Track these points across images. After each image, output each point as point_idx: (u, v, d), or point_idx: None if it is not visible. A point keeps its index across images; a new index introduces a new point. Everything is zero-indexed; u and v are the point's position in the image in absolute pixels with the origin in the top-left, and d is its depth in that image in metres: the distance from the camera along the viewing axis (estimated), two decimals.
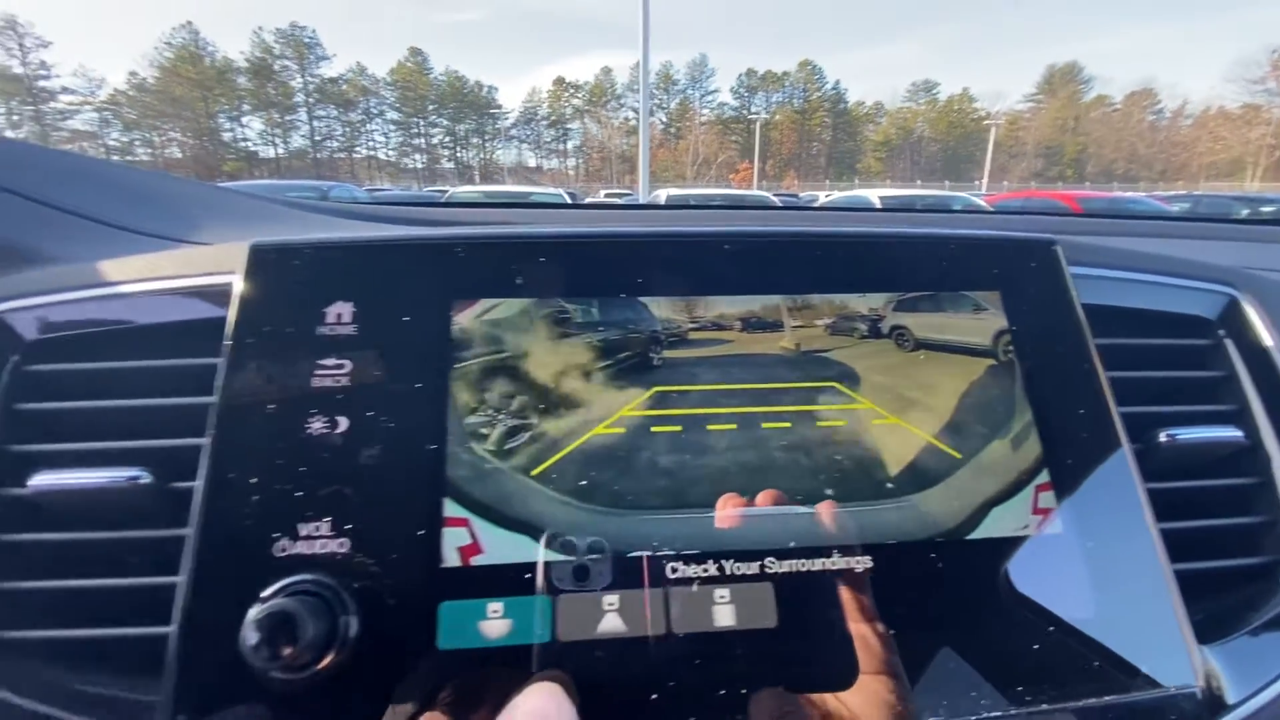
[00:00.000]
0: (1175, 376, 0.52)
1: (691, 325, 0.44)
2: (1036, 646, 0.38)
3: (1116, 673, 0.38)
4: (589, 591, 0.37)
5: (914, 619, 0.38)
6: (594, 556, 0.38)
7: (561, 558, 0.38)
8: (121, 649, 0.40)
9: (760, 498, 0.40)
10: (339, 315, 0.41)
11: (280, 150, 72.22)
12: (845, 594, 0.39)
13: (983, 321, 0.46)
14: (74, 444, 0.42)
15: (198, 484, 0.38)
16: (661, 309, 0.44)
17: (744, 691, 0.36)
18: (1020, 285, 0.47)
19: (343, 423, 0.39)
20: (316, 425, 0.39)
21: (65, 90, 63.88)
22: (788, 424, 0.42)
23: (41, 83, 62.46)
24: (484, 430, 0.40)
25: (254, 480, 0.38)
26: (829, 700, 0.36)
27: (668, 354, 0.43)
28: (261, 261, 0.42)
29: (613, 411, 0.41)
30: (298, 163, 71.28)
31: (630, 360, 0.43)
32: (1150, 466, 0.48)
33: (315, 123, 74.48)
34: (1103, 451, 0.43)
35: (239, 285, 0.41)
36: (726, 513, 0.40)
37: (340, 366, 0.40)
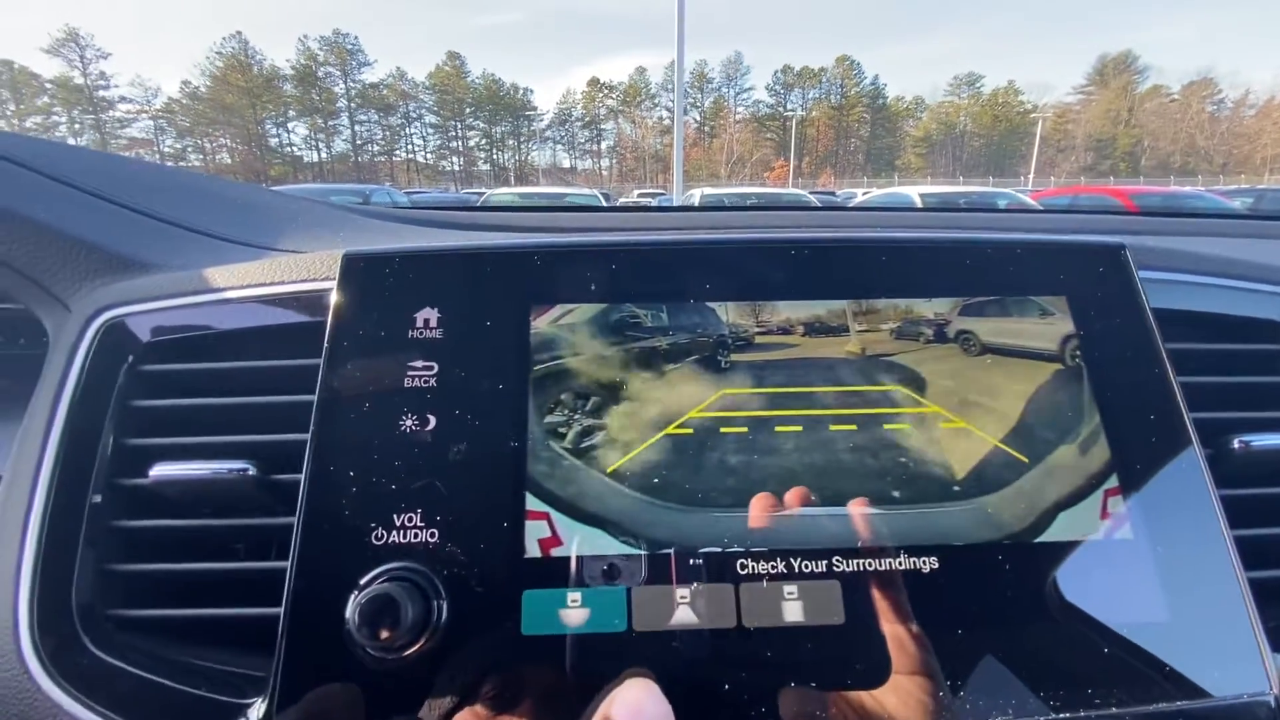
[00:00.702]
0: (1248, 382, 0.51)
1: (759, 330, 0.46)
2: (1106, 650, 0.39)
3: (1189, 679, 0.38)
4: (662, 584, 0.39)
5: (981, 621, 0.39)
6: (666, 551, 0.40)
7: (636, 551, 0.40)
8: (229, 627, 0.43)
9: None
10: (426, 320, 0.44)
11: (323, 154, 74.47)
12: (912, 593, 0.40)
13: (1050, 326, 0.46)
14: (184, 438, 0.46)
15: (302, 477, 0.41)
16: (730, 314, 0.46)
17: (812, 685, 0.38)
18: (1088, 290, 0.47)
19: (432, 420, 0.42)
20: (408, 423, 0.42)
21: (123, 99, 67.20)
22: (853, 426, 0.43)
23: (101, 92, 65.79)
24: (561, 429, 0.42)
25: (352, 473, 0.41)
26: (887, 697, 0.38)
27: (736, 357, 0.45)
28: (353, 270, 0.45)
29: (683, 412, 0.43)
30: (340, 166, 73.42)
31: (700, 363, 0.45)
32: (1223, 472, 0.47)
33: (356, 127, 76.58)
34: (1174, 457, 0.43)
35: (335, 292, 0.45)
36: (792, 512, 0.41)
37: (429, 368, 0.43)
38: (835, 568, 0.40)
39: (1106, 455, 0.43)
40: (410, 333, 0.44)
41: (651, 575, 0.39)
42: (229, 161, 69.91)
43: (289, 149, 73.95)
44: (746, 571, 0.40)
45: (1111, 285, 0.47)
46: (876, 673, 0.38)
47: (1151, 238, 0.98)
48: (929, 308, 0.46)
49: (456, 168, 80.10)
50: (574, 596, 0.39)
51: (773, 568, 0.40)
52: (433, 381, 0.43)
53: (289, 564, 0.39)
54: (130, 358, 0.48)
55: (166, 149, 69.49)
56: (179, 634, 0.43)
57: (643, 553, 0.40)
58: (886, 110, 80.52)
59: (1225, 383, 0.50)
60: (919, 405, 0.44)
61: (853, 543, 0.40)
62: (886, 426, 0.43)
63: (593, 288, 0.46)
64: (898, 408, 0.44)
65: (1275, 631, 0.43)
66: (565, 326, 0.45)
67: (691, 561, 0.40)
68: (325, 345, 0.43)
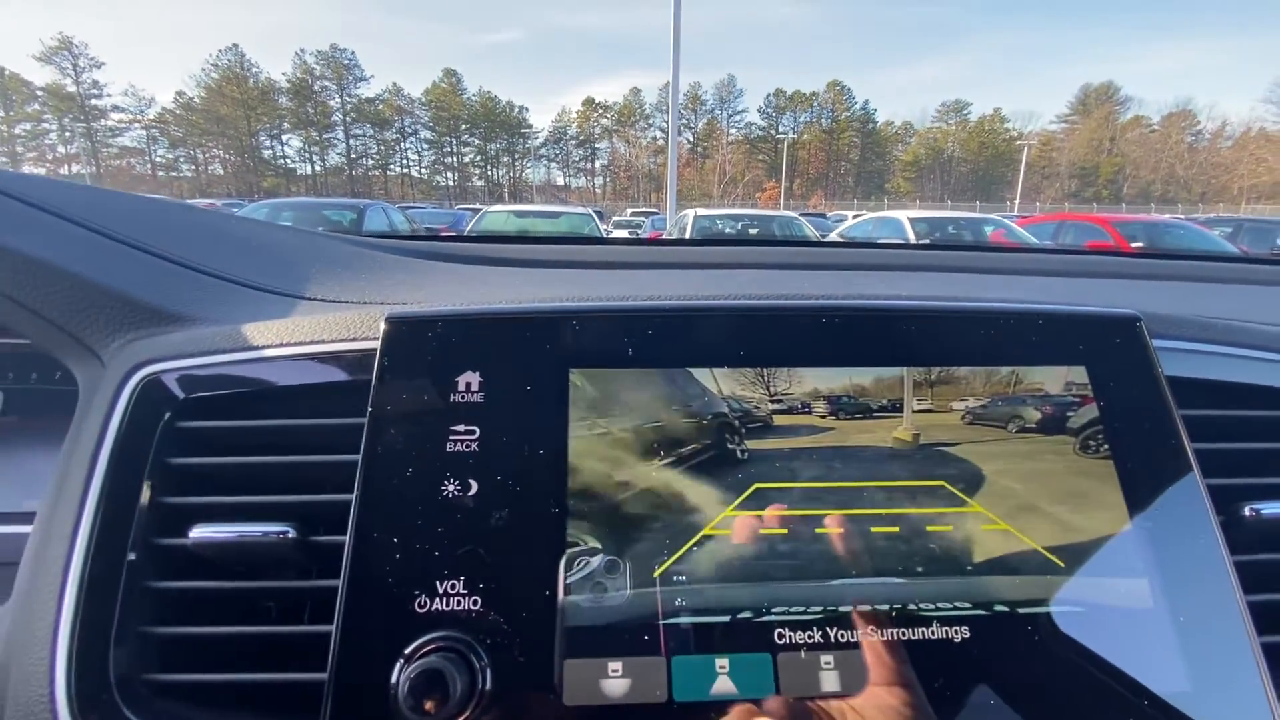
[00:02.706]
0: (1258, 449, 0.52)
1: (800, 407, 0.46)
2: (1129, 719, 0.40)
3: None
4: (701, 654, 0.40)
5: (1005, 690, 0.40)
6: (705, 619, 0.41)
7: (675, 620, 0.40)
8: (268, 693, 0.43)
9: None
10: (469, 384, 0.45)
11: (317, 167, 74.51)
12: (936, 659, 0.40)
13: (1074, 400, 0.47)
14: (223, 497, 0.46)
15: (345, 540, 0.41)
16: (769, 386, 0.47)
17: None
18: (1106, 361, 0.48)
19: (474, 485, 0.43)
20: (450, 488, 0.42)
21: (116, 108, 66.97)
22: (896, 528, 0.44)
23: (93, 101, 65.54)
24: (599, 497, 0.43)
25: (396, 539, 0.41)
26: None
27: (775, 443, 0.46)
28: (398, 331, 0.46)
29: (726, 503, 0.44)
30: (333, 179, 73.47)
31: (738, 442, 0.46)
32: (1235, 539, 0.49)
33: (351, 141, 76.79)
34: (1191, 526, 0.45)
35: (379, 354, 0.45)
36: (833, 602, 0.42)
37: (470, 432, 0.44)
38: (870, 637, 0.41)
39: (1127, 524, 0.44)
40: (453, 396, 0.45)
41: (691, 644, 0.40)
42: (221, 173, 69.77)
43: (283, 161, 73.94)
44: (784, 641, 0.40)
45: (1128, 356, 0.49)
46: None
47: (1155, 284, 1.01)
48: (966, 389, 0.47)
49: (451, 183, 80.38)
50: (615, 666, 0.39)
51: (809, 637, 0.41)
52: (474, 446, 0.44)
53: (334, 629, 0.40)
54: (168, 414, 0.49)
55: (158, 159, 69.27)
56: (217, 699, 0.43)
57: (682, 621, 0.41)
58: (876, 134, 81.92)
59: (1235, 449, 0.52)
60: (963, 504, 0.45)
61: (886, 612, 0.41)
62: (930, 529, 0.44)
63: (631, 352, 0.47)
64: (940, 508, 0.44)
65: None
66: (604, 393, 0.46)
67: (730, 631, 0.41)
68: (369, 407, 0.44)
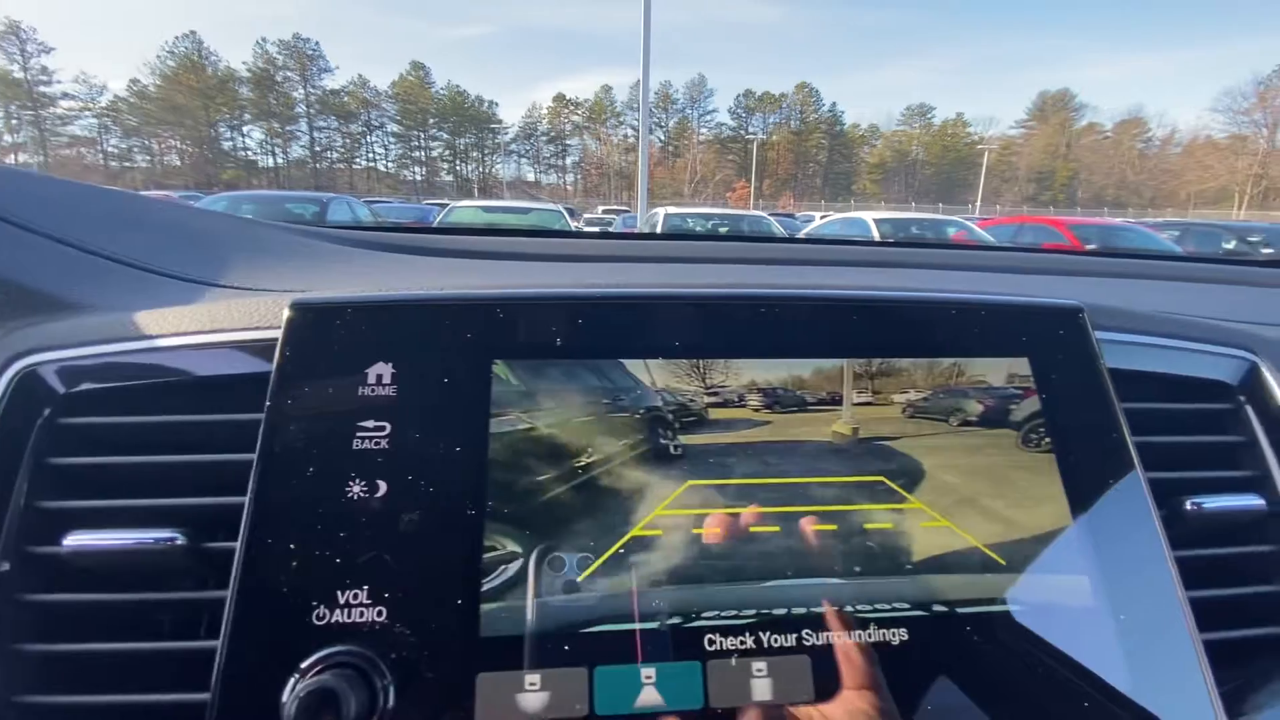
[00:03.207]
0: (1198, 442, 0.52)
1: (734, 401, 0.44)
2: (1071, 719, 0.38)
3: None
4: (626, 664, 0.37)
5: (946, 691, 0.38)
6: (630, 627, 0.38)
7: (599, 629, 0.38)
8: (152, 714, 0.39)
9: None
10: (379, 376, 0.41)
11: (280, 160, 72.48)
12: (880, 664, 0.39)
13: (1016, 392, 0.46)
14: (105, 501, 0.42)
15: (236, 546, 0.37)
16: (704, 378, 0.44)
17: None
18: (1049, 352, 0.47)
19: (382, 487, 0.39)
20: (356, 489, 0.39)
21: (66, 96, 64.04)
22: (834, 526, 0.42)
23: (42, 88, 62.58)
24: (521, 497, 0.40)
25: (292, 545, 0.38)
26: None
27: (707, 437, 0.43)
28: (301, 319, 0.42)
29: (653, 502, 0.41)
30: (297, 172, 71.54)
31: (671, 436, 0.43)
32: (1176, 534, 0.48)
33: (316, 133, 74.86)
34: (1133, 521, 0.44)
35: (279, 343, 0.42)
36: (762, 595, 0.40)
37: (380, 429, 0.40)
38: (805, 642, 0.39)
39: (1069, 520, 0.43)
40: (361, 389, 0.41)
41: (616, 654, 0.37)
42: (178, 164, 67.30)
43: (243, 153, 71.67)
44: (715, 648, 0.38)
45: (1070, 347, 0.48)
46: None
47: (1103, 281, 1.02)
48: (907, 381, 0.46)
49: (419, 178, 78.97)
50: (533, 679, 0.37)
51: (740, 643, 0.38)
52: (384, 443, 0.40)
53: (219, 644, 0.36)
54: (47, 410, 0.44)
55: (111, 148, 66.51)
56: None
57: (607, 630, 0.38)
58: (844, 137, 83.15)
59: (1177, 442, 0.51)
60: (902, 500, 0.43)
61: (820, 618, 0.39)
62: (867, 526, 0.42)
63: (559, 342, 0.44)
64: (879, 504, 0.42)
65: (1233, 695, 0.43)
66: (530, 386, 0.43)
67: (657, 639, 0.38)
68: (268, 401, 0.40)
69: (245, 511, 0.38)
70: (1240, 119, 65.48)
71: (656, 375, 0.44)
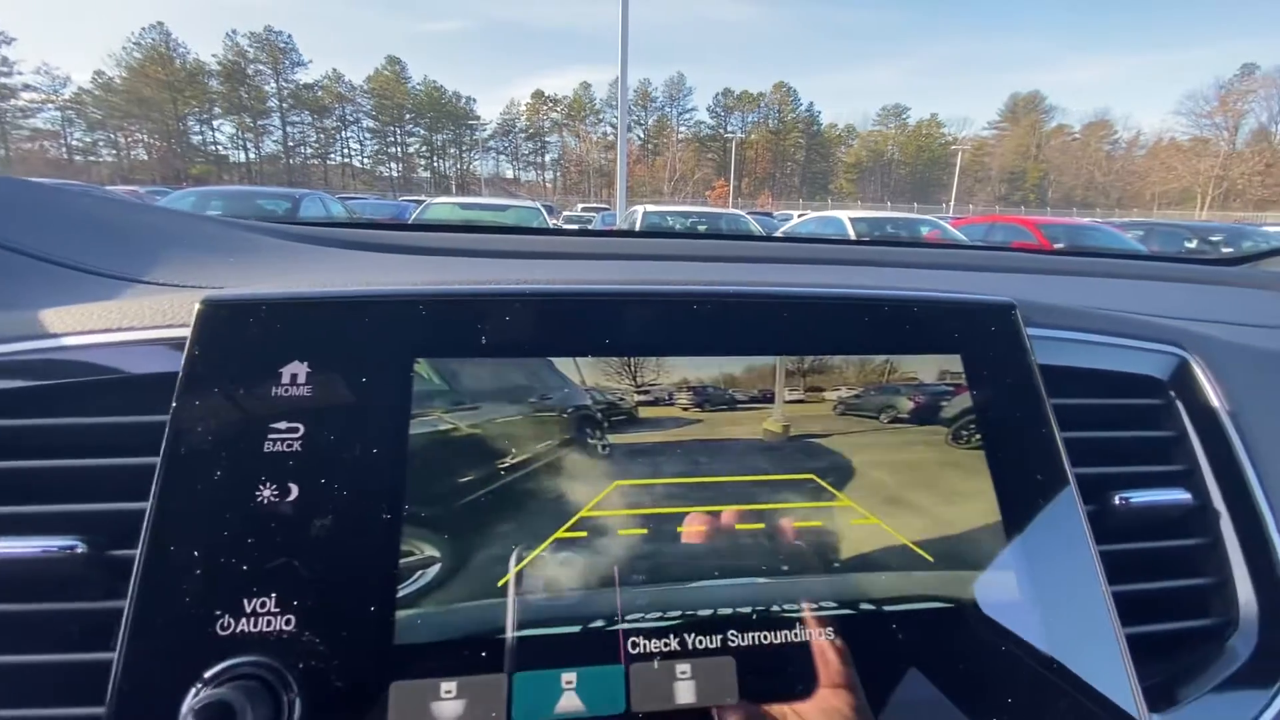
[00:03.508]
0: (1128, 437, 0.53)
1: (664, 399, 0.43)
2: (994, 717, 0.38)
3: None
4: (547, 669, 0.36)
5: (881, 692, 0.38)
6: (552, 631, 0.37)
7: (518, 634, 0.37)
8: None
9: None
10: (294, 376, 0.40)
11: (252, 155, 70.96)
12: (807, 666, 0.38)
13: (948, 389, 0.46)
14: (3, 507, 0.40)
15: (136, 553, 0.36)
16: (633, 377, 0.43)
17: None
18: (981, 349, 0.47)
19: (294, 490, 0.38)
20: (266, 493, 0.37)
21: (27, 88, 61.97)
22: (760, 525, 0.41)
23: (2, 79, 60.47)
24: (443, 501, 0.39)
25: (197, 552, 0.36)
26: None
27: (636, 436, 0.42)
28: (214, 316, 0.41)
29: (578, 504, 0.40)
30: (269, 168, 70.12)
31: (598, 437, 0.42)
32: (1104, 528, 0.49)
33: (289, 128, 73.41)
34: (1059, 516, 0.44)
35: (189, 341, 0.40)
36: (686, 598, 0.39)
37: (293, 430, 0.39)
38: (730, 643, 0.38)
39: (996, 516, 0.43)
40: (275, 389, 0.40)
41: (536, 660, 0.37)
42: (146, 158, 65.53)
43: (213, 147, 70.01)
44: (638, 651, 0.37)
45: (1002, 344, 0.48)
46: None
47: (1056, 278, 1.04)
48: (838, 378, 0.45)
49: (395, 174, 77.88)
50: (449, 687, 0.36)
51: (664, 646, 0.38)
52: (297, 445, 0.39)
53: (116, 655, 0.34)
54: None
55: (75, 142, 64.48)
56: None
57: (527, 634, 0.37)
58: (821, 136, 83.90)
59: (1107, 437, 0.52)
60: (832, 498, 0.42)
61: (746, 616, 0.39)
62: (797, 525, 0.41)
63: (484, 341, 0.43)
64: (808, 502, 0.42)
65: (1156, 690, 0.44)
66: (453, 386, 0.42)
67: (578, 644, 0.37)
68: (174, 401, 0.39)
69: (146, 516, 0.36)
70: (1202, 122, 67.52)
71: (585, 374, 0.43)
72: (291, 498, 0.38)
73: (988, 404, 0.46)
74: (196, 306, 0.41)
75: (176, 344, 0.43)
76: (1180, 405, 0.54)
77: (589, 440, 0.42)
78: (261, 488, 0.37)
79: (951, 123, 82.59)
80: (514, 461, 0.41)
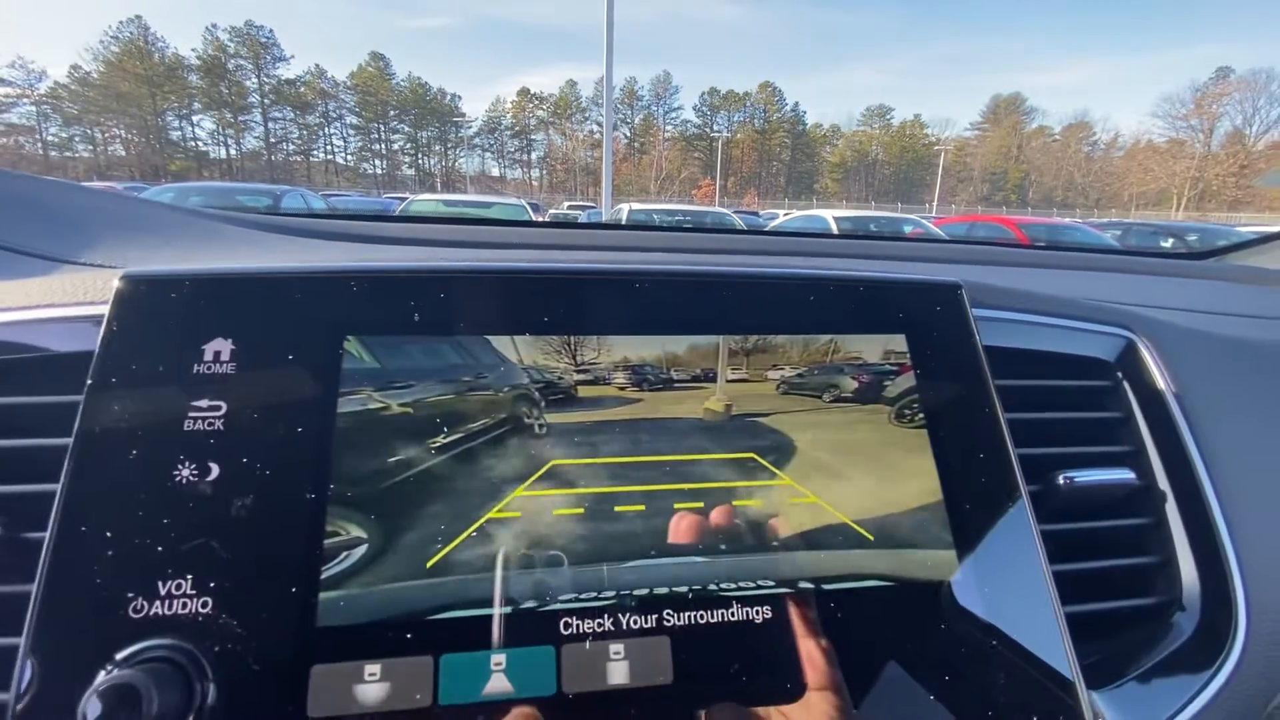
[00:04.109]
0: (1075, 418, 0.53)
1: (602, 377, 0.43)
2: (932, 697, 0.38)
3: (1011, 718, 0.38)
4: (476, 651, 0.36)
5: (811, 671, 0.38)
6: (480, 612, 0.36)
7: (447, 615, 0.36)
8: None
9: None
10: (217, 354, 0.39)
11: (232, 151, 69.92)
12: (746, 643, 0.38)
13: (892, 369, 0.46)
14: None
15: (46, 534, 0.34)
16: (572, 355, 0.43)
17: None
18: (926, 328, 0.47)
19: (214, 470, 0.36)
20: (184, 472, 0.36)
21: (1, 82, 60.56)
22: (700, 504, 0.41)
23: None
24: (370, 482, 0.38)
25: (109, 533, 0.35)
26: None
27: (573, 415, 0.42)
28: (133, 293, 0.39)
29: (510, 481, 0.40)
30: (251, 164, 69.12)
31: (534, 415, 0.41)
32: (1050, 507, 0.49)
33: (271, 124, 72.42)
34: (1001, 496, 0.44)
35: (107, 318, 0.38)
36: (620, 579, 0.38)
37: (215, 408, 0.38)
38: (665, 623, 0.38)
39: (938, 495, 0.43)
40: (196, 367, 0.38)
41: (464, 641, 0.36)
42: (123, 154, 64.35)
43: (193, 143, 68.86)
44: (570, 632, 0.37)
45: (948, 323, 0.48)
46: None
47: (1024, 270, 1.04)
48: (780, 357, 0.45)
49: (379, 171, 77.12)
50: (373, 669, 0.35)
51: (597, 626, 0.37)
52: (219, 424, 0.37)
53: (22, 639, 0.33)
54: None
55: (51, 137, 63.13)
56: None
57: (455, 616, 0.36)
58: (806, 136, 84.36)
59: (1054, 418, 0.52)
60: (773, 477, 0.42)
61: (682, 595, 0.38)
62: (736, 504, 0.41)
63: (417, 318, 0.42)
64: (748, 481, 0.42)
65: (1093, 668, 0.44)
66: (384, 364, 0.40)
67: (509, 624, 0.36)
68: (89, 379, 0.37)
69: (57, 496, 0.35)
70: (1179, 124, 68.78)
71: (524, 352, 0.42)
72: (211, 477, 0.36)
73: (932, 383, 0.46)
74: (115, 282, 0.39)
75: (97, 321, 0.41)
76: (1127, 386, 0.54)
77: (526, 419, 0.41)
78: (180, 467, 0.36)
79: (935, 123, 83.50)
80: (447, 441, 0.40)
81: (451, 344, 0.42)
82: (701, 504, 0.41)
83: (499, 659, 0.36)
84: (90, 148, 64.09)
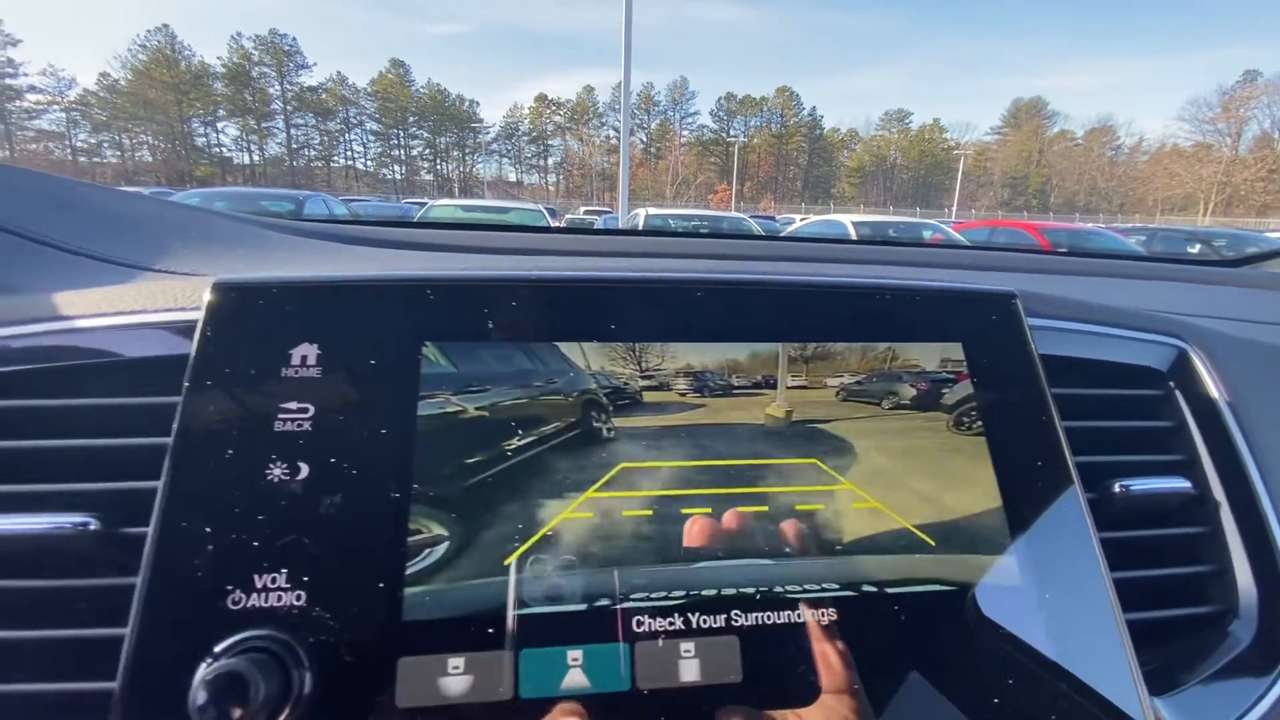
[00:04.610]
0: (1128, 426, 0.53)
1: (668, 383, 0.44)
2: (996, 701, 0.39)
3: None
4: (553, 646, 0.37)
5: (870, 672, 0.38)
6: (558, 609, 0.38)
7: (525, 611, 0.37)
8: (60, 704, 0.38)
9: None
10: (304, 357, 0.41)
11: (256, 157, 71.22)
12: (812, 641, 0.39)
13: (949, 377, 0.47)
14: (17, 485, 0.41)
15: (149, 530, 0.36)
16: (638, 362, 0.44)
17: None
18: (982, 337, 0.48)
19: (304, 469, 0.38)
20: (276, 471, 0.38)
21: (33, 89, 62.25)
22: (765, 508, 0.42)
23: (8, 80, 60.79)
24: (450, 480, 0.40)
25: (208, 529, 0.37)
26: None
27: (640, 420, 0.43)
28: (225, 300, 0.41)
29: (584, 482, 0.41)
30: (273, 170, 70.34)
31: (603, 418, 0.43)
32: (1105, 516, 0.49)
33: (293, 130, 73.66)
34: (1060, 504, 0.44)
35: (201, 324, 0.41)
36: (693, 576, 0.40)
37: (303, 410, 0.39)
38: (734, 622, 0.39)
39: (997, 502, 0.43)
40: (285, 370, 0.40)
41: (542, 637, 0.37)
42: (150, 160, 65.81)
43: (217, 149, 70.24)
44: (643, 630, 0.38)
45: (1004, 332, 0.48)
46: None
47: (1058, 277, 1.04)
48: (841, 365, 0.46)
49: (398, 176, 78.08)
50: (455, 663, 0.36)
51: (669, 625, 0.38)
52: (307, 425, 0.39)
53: (129, 630, 0.35)
54: None
55: (80, 143, 64.74)
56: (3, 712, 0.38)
57: (533, 612, 0.37)
58: (823, 141, 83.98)
59: (1108, 427, 0.52)
60: (835, 482, 0.43)
61: (750, 597, 0.39)
62: (799, 508, 0.42)
63: (491, 325, 0.43)
64: (811, 485, 0.43)
65: (1153, 675, 0.44)
66: (461, 368, 0.42)
67: (584, 622, 0.38)
68: (186, 382, 0.39)
69: (159, 494, 0.37)
70: (1205, 128, 67.45)
71: (591, 358, 0.44)
72: (301, 476, 0.38)
73: (989, 391, 0.46)
74: (208, 289, 0.41)
75: (186, 327, 0.43)
76: (1180, 396, 0.55)
77: (594, 423, 0.43)
78: (272, 466, 0.38)
79: (954, 128, 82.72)
80: (520, 443, 0.41)
81: (523, 349, 0.43)
82: (765, 508, 0.42)
83: (575, 655, 0.37)
84: (118, 153, 65.62)
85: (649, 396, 0.44)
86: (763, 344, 0.46)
